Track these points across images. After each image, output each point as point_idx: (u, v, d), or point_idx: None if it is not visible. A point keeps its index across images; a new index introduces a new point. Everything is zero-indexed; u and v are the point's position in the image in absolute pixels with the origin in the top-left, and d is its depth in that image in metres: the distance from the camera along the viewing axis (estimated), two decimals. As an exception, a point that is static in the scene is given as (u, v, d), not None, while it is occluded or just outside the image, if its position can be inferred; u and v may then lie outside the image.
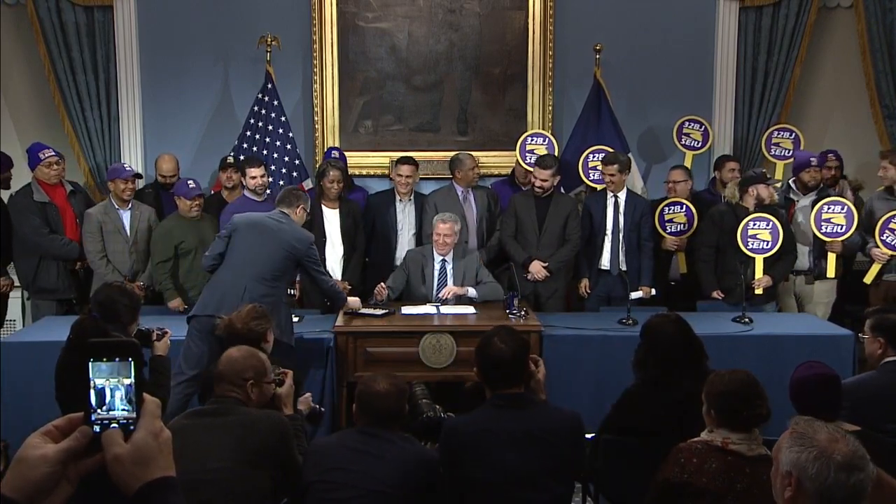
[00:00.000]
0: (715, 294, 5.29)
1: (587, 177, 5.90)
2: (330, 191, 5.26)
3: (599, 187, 5.66)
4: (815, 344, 4.54)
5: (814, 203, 5.38)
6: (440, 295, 4.93)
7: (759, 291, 5.08)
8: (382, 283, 4.92)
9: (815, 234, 5.33)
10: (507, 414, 2.76)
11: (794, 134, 6.07)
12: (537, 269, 5.26)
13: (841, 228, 5.26)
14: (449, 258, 5.05)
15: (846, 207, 5.25)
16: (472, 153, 5.79)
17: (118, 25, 6.12)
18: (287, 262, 4.34)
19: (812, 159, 5.53)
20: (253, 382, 2.86)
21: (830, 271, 5.35)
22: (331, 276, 4.70)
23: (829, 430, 1.65)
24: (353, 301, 4.75)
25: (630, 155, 5.87)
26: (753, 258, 5.11)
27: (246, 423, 2.67)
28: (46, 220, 5.31)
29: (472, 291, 4.98)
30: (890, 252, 5.32)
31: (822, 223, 5.29)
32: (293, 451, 2.76)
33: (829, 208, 5.29)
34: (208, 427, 2.65)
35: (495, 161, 6.24)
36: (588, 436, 3.34)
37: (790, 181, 5.71)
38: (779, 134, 6.11)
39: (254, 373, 2.88)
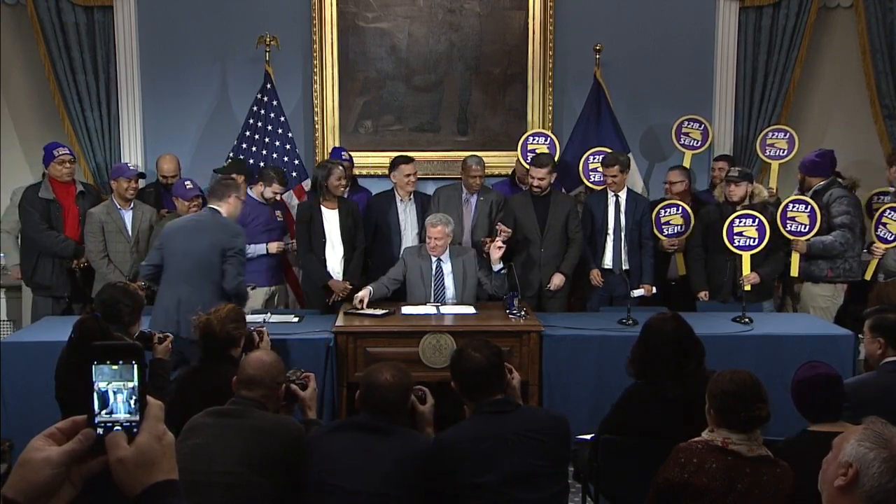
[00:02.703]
0: (702, 294, 5.31)
1: (587, 178, 5.90)
2: (338, 189, 5.22)
3: (599, 188, 5.67)
4: (815, 344, 4.54)
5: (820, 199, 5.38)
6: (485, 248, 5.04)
7: (746, 288, 5.07)
8: (364, 290, 4.90)
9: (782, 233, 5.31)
10: (495, 419, 2.77)
11: (788, 133, 6.06)
12: (559, 280, 5.28)
13: (804, 228, 5.24)
14: (445, 258, 5.04)
15: (810, 207, 5.23)
16: (477, 154, 5.77)
17: (118, 25, 6.11)
18: (216, 259, 4.32)
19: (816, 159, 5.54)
20: (286, 385, 2.89)
21: (794, 270, 5.34)
22: (243, 277, 4.51)
23: None
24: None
25: (629, 154, 5.87)
26: (740, 255, 5.13)
27: (261, 428, 2.66)
28: (48, 216, 5.38)
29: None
30: (885, 246, 5.34)
31: (787, 221, 5.28)
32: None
33: (794, 206, 5.28)
34: (223, 428, 2.65)
35: (495, 161, 6.23)
36: (588, 436, 3.36)
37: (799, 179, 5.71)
38: (773, 135, 6.11)
39: (283, 376, 2.90)
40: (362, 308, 4.80)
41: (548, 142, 5.95)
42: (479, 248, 5.36)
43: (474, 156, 5.60)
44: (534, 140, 5.97)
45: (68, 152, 5.47)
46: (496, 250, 4.98)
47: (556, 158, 5.65)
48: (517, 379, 3.08)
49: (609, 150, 5.70)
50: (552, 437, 2.77)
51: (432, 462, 2.70)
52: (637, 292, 5.11)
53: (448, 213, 5.21)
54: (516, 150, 6.00)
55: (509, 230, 5.12)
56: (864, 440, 1.65)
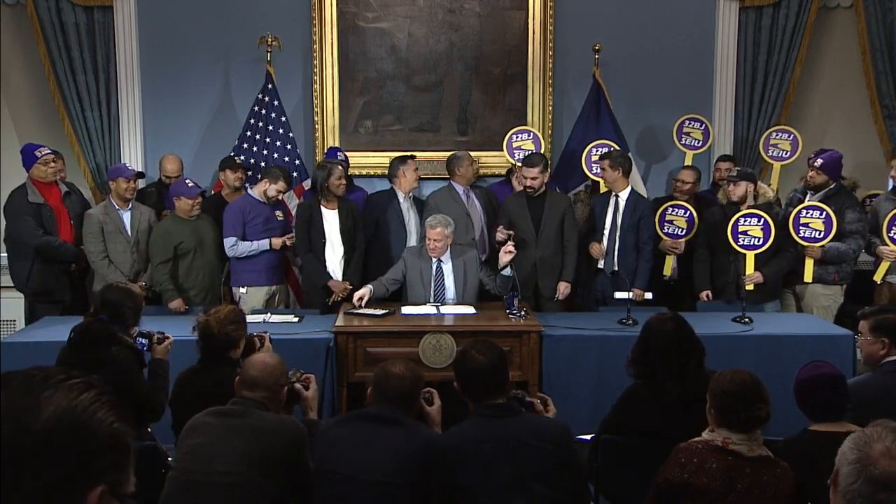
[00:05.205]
0: (703, 295, 5.30)
1: (590, 170, 5.91)
2: (338, 189, 5.23)
3: (601, 180, 5.68)
4: (815, 344, 4.53)
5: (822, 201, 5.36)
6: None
7: (749, 287, 5.05)
8: (364, 289, 4.90)
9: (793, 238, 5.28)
10: (494, 423, 2.77)
11: (792, 135, 6.06)
12: (565, 289, 5.25)
13: (819, 234, 5.21)
14: (445, 258, 5.03)
15: (825, 213, 5.20)
16: (471, 153, 5.81)
17: (118, 25, 6.12)
18: None
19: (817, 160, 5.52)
20: (288, 387, 2.90)
21: (807, 276, 5.31)
22: None
23: (890, 444, 1.61)
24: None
25: (629, 154, 5.87)
26: (744, 255, 5.11)
27: (262, 428, 2.66)
28: (41, 221, 5.24)
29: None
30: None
31: (801, 227, 5.25)
32: (306, 459, 2.74)
33: (807, 213, 5.24)
34: (224, 428, 2.65)
35: (495, 161, 6.25)
36: (588, 436, 3.35)
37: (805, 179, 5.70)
38: (777, 135, 6.11)
39: (286, 378, 2.91)
40: (361, 307, 4.80)
41: (532, 137, 5.97)
42: (494, 247, 5.37)
43: (457, 151, 5.73)
44: (518, 137, 5.99)
45: (50, 151, 5.30)
46: (506, 255, 4.89)
47: (543, 155, 5.63)
48: (552, 412, 3.06)
49: (612, 144, 5.75)
50: (550, 443, 2.76)
51: (434, 460, 2.71)
52: (621, 294, 4.91)
53: (456, 215, 5.21)
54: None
55: (509, 232, 5.12)
56: (852, 440, 1.65)
